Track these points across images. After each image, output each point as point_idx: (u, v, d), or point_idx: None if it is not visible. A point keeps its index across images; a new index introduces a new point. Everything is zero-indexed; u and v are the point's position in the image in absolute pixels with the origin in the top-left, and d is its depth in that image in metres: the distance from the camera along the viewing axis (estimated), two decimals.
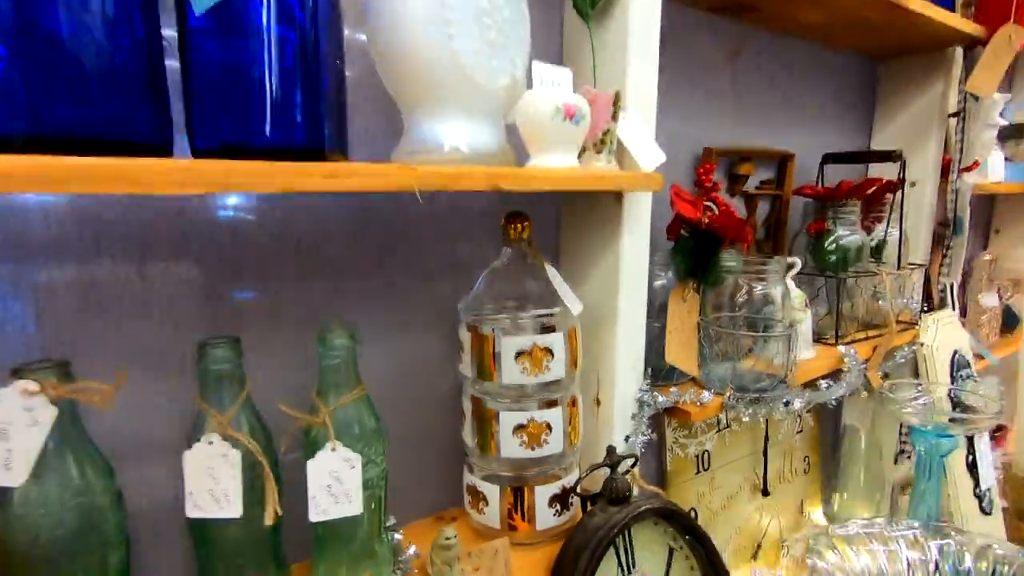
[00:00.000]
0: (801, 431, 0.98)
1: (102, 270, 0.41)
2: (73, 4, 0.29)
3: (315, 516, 0.42)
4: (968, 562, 0.70)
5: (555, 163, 0.44)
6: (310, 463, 0.42)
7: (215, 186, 0.30)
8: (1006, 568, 0.69)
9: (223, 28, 0.32)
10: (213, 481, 0.40)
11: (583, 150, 0.50)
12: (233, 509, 0.40)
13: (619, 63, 0.51)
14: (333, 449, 0.42)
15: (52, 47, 0.28)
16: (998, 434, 1.14)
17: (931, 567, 0.71)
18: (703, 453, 0.83)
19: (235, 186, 0.31)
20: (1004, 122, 1.00)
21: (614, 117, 0.49)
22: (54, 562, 0.35)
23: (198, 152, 0.34)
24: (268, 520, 0.40)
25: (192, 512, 0.40)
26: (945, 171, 0.96)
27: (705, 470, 0.84)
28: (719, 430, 0.85)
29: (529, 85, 0.45)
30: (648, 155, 0.50)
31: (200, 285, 0.45)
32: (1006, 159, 1.21)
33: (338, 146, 0.37)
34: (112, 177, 0.27)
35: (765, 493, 0.91)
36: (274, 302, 0.48)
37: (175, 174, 0.29)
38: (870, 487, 0.96)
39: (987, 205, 1.34)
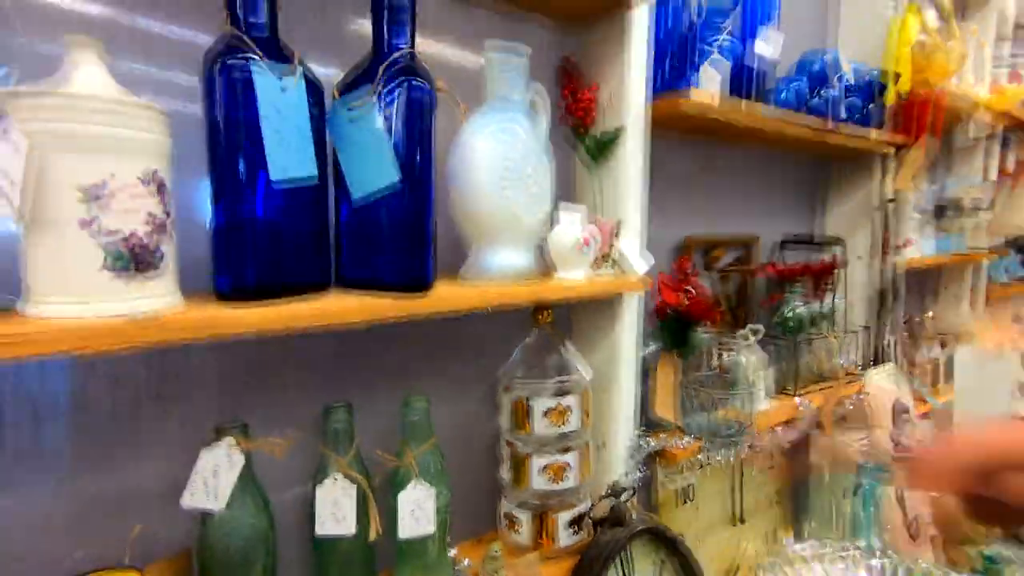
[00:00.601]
0: (772, 467, 1.15)
1: (265, 354, 0.58)
2: (288, 199, 0.46)
3: (403, 534, 0.58)
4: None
5: (575, 276, 0.63)
6: (401, 495, 0.58)
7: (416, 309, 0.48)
8: None
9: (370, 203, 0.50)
10: (336, 507, 0.56)
11: (597, 260, 0.68)
12: (349, 528, 0.56)
13: (617, 197, 0.70)
14: (417, 485, 0.59)
15: (278, 228, 0.46)
16: None
17: None
18: (688, 487, 1.00)
19: (387, 311, 0.48)
20: (928, 207, 1.21)
21: (616, 236, 0.68)
22: (236, 565, 0.51)
23: (344, 283, 0.52)
24: (372, 536, 0.56)
25: (320, 530, 0.55)
26: (885, 248, 1.16)
27: (690, 501, 1.00)
28: (700, 467, 1.01)
29: (554, 218, 0.63)
30: (640, 264, 0.69)
31: (326, 364, 0.61)
32: (942, 231, 1.43)
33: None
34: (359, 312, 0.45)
35: (741, 521, 1.07)
36: (374, 377, 0.65)
37: (401, 308, 0.46)
38: (832, 516, 1.12)
39: (927, 271, 1.54)
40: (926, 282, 1.57)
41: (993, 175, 1.68)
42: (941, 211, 1.52)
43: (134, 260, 0.38)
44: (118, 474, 0.52)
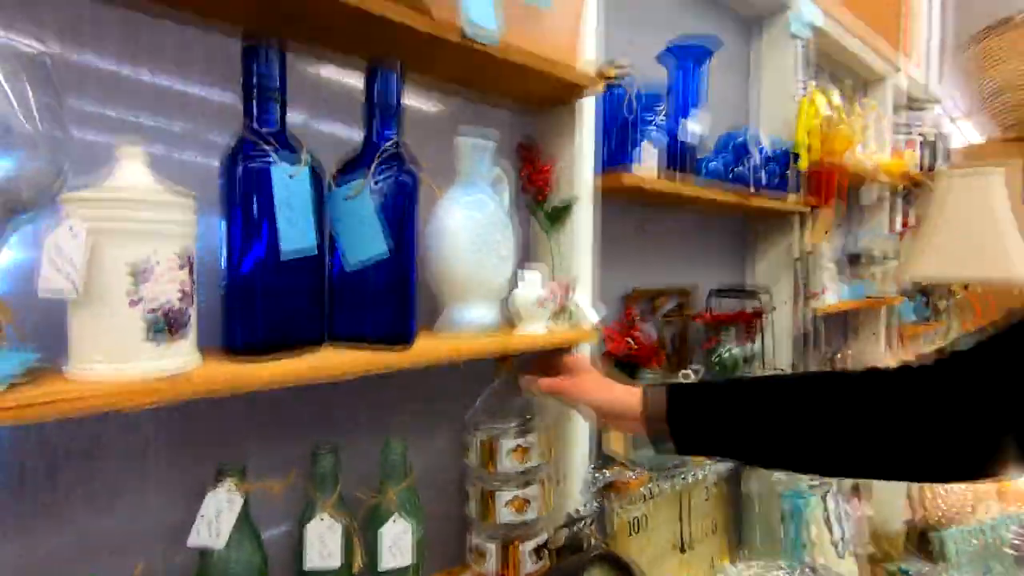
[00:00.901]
0: (708, 499, 1.25)
1: (257, 401, 0.64)
2: (292, 266, 0.54)
3: (384, 566, 0.64)
4: None
5: (536, 329, 0.72)
6: (382, 530, 0.64)
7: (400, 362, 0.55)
8: None
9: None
10: (322, 544, 0.61)
11: (555, 313, 0.78)
12: (335, 563, 0.61)
13: (571, 257, 0.81)
14: (396, 520, 0.65)
15: (279, 290, 0.53)
16: (859, 493, 1.45)
17: None
18: (638, 518, 1.08)
19: (376, 365, 0.56)
20: (843, 257, 1.38)
21: (571, 292, 0.78)
22: None
23: (334, 338, 0.59)
24: (355, 569, 0.62)
25: (308, 565, 0.61)
26: (804, 295, 1.32)
27: (641, 531, 1.09)
28: (649, 499, 1.10)
29: (518, 278, 0.73)
30: (592, 316, 0.79)
31: (313, 410, 0.68)
32: (856, 278, 1.62)
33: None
34: (367, 365, 0.52)
35: (688, 549, 1.16)
36: (357, 421, 0.71)
37: (388, 361, 0.54)
38: (766, 541, 1.23)
39: (845, 313, 1.73)
40: (847, 322, 1.76)
41: (898, 227, 1.91)
42: (856, 259, 1.71)
43: (168, 325, 0.45)
44: (124, 514, 0.57)
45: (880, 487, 1.40)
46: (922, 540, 1.37)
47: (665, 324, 1.14)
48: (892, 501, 1.41)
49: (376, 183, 0.58)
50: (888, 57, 1.72)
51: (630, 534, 1.08)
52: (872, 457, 0.50)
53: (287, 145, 0.54)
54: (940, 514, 1.37)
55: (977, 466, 0.47)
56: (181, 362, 0.46)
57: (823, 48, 1.53)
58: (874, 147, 1.51)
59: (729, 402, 0.56)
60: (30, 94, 0.41)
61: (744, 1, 1.26)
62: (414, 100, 0.76)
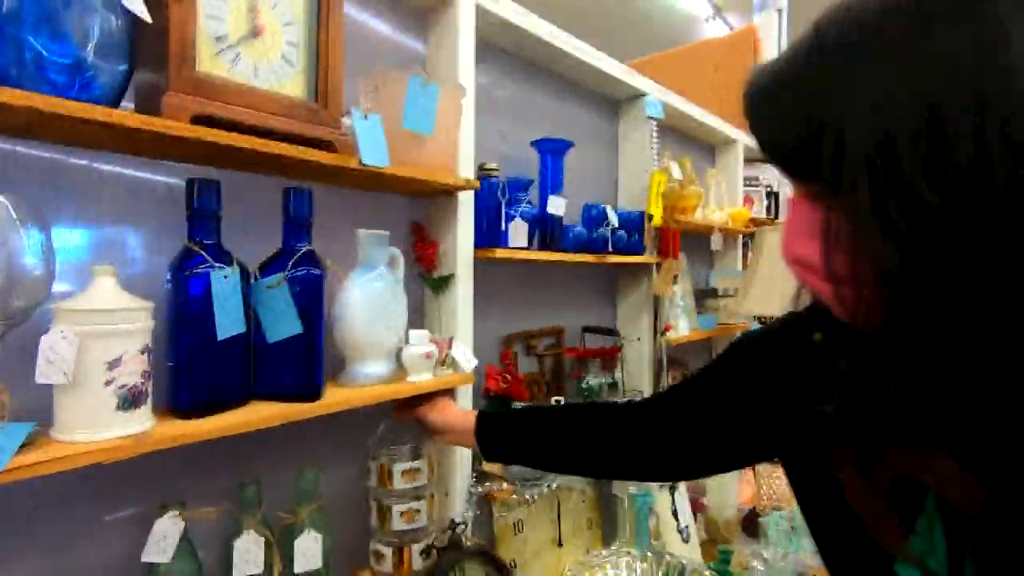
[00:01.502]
0: (584, 501, 1.50)
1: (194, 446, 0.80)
2: (226, 342, 0.71)
3: (299, 570, 0.82)
4: (674, 570, 1.24)
5: (422, 379, 0.93)
6: (296, 542, 0.82)
7: (310, 412, 0.73)
8: (695, 573, 1.23)
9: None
10: (248, 555, 0.79)
11: (437, 364, 0.99)
12: (259, 569, 0.79)
13: (453, 317, 1.02)
14: (308, 533, 0.83)
15: (214, 357, 0.71)
16: (700, 488, 1.77)
17: (654, 574, 1.23)
18: (518, 521, 1.31)
19: (292, 416, 0.74)
20: (699, 290, 1.69)
21: (450, 347, 0.99)
22: None
23: (259, 395, 0.77)
24: (275, 573, 0.80)
25: (237, 573, 0.78)
26: (658, 331, 1.61)
27: (520, 532, 1.32)
28: (529, 504, 1.33)
29: (408, 338, 0.93)
30: (469, 364, 1.01)
31: (240, 449, 0.84)
32: (706, 311, 1.95)
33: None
34: (277, 417, 0.70)
35: (560, 545, 1.40)
36: (279, 458, 0.88)
37: (284, 414, 0.72)
38: (628, 533, 1.49)
39: (702, 342, 2.06)
40: (711, 348, 2.09)
41: (740, 268, 2.28)
42: (710, 294, 2.05)
43: (133, 400, 0.62)
44: (88, 541, 0.72)
45: (714, 482, 1.72)
46: (752, 524, 1.70)
47: (543, 359, 1.39)
48: (726, 493, 1.73)
49: (292, 277, 0.77)
50: (736, 125, 2.09)
51: (514, 534, 1.30)
52: (608, 466, 0.78)
53: (221, 253, 0.72)
54: (766, 502, 1.71)
55: (676, 474, 0.74)
56: (141, 425, 0.63)
57: (678, 122, 1.86)
58: (714, 207, 1.84)
59: (514, 424, 0.85)
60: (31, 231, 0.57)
61: (608, 88, 1.54)
62: (327, 192, 0.94)
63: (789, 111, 0.43)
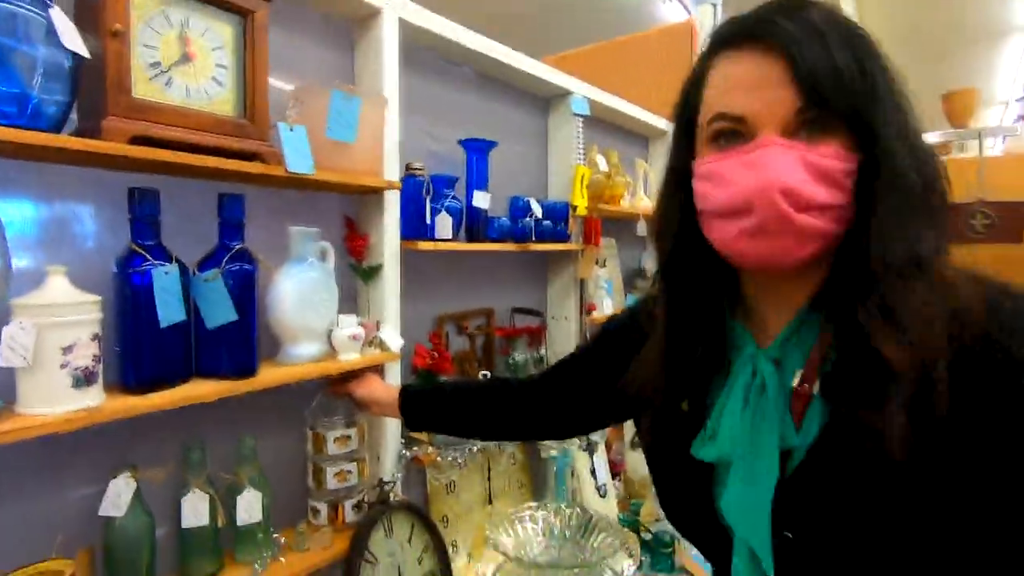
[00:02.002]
0: (515, 463, 1.67)
1: (145, 417, 0.92)
2: (169, 329, 0.83)
3: (240, 522, 0.95)
4: (584, 521, 1.42)
5: (350, 358, 1.06)
6: (239, 498, 0.95)
7: (246, 388, 0.86)
8: (603, 523, 1.41)
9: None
10: (195, 510, 0.91)
11: (366, 344, 1.12)
12: (205, 521, 0.92)
13: (382, 302, 1.15)
14: (249, 491, 0.97)
15: (154, 342, 0.83)
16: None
17: (566, 526, 1.40)
18: (451, 482, 1.47)
19: (228, 391, 0.87)
20: (632, 271, 1.85)
21: (378, 329, 1.12)
22: (131, 550, 0.84)
23: (200, 374, 0.89)
24: (220, 524, 0.93)
25: (186, 524, 0.91)
26: (586, 311, 1.76)
27: (452, 492, 1.47)
28: (463, 467, 1.49)
29: (338, 322, 1.06)
30: (396, 344, 1.14)
31: (186, 420, 0.96)
32: (634, 291, 2.11)
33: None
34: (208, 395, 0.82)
35: (490, 503, 1.57)
36: (223, 428, 1.01)
37: (220, 391, 0.84)
38: (552, 493, 1.67)
39: None
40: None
41: None
42: (641, 274, 2.22)
43: (86, 379, 0.73)
44: (49, 502, 0.83)
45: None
46: None
47: (474, 337, 1.53)
48: (640, 453, 1.92)
49: (227, 272, 0.88)
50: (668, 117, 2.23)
51: (447, 494, 1.46)
52: (506, 429, 0.97)
53: (162, 252, 0.83)
54: None
55: (558, 433, 0.91)
56: (94, 401, 0.74)
57: (610, 116, 1.99)
58: (642, 195, 1.99)
59: (432, 399, 0.99)
60: None
61: (536, 87, 1.66)
62: (264, 193, 1.05)
63: (846, 65, 0.48)
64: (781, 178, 0.48)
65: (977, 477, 0.47)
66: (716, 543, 0.61)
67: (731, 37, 0.53)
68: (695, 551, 1.57)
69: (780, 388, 0.55)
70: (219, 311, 0.88)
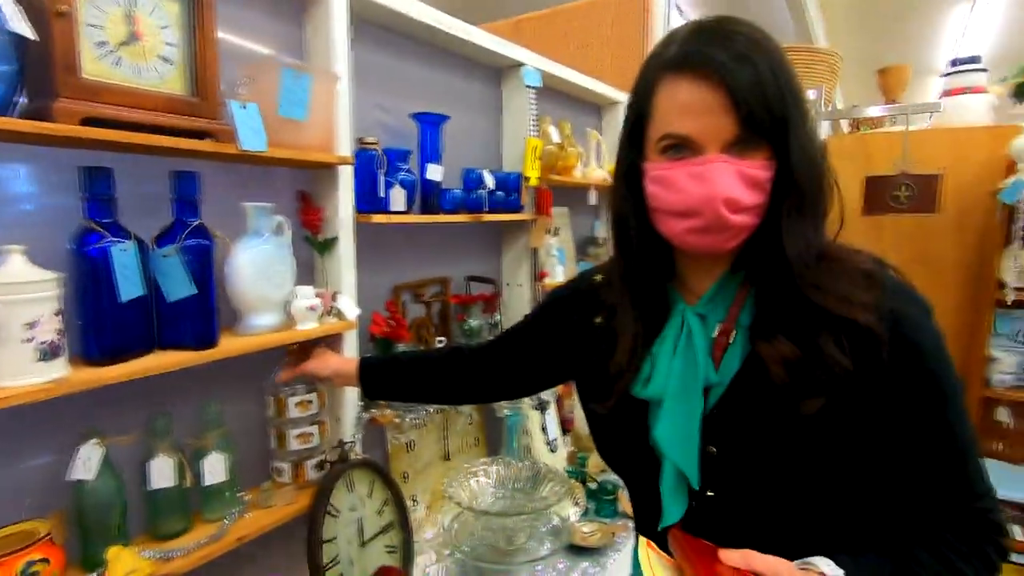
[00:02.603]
0: (472, 423, 1.77)
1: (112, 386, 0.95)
2: (130, 302, 0.87)
3: (206, 483, 1.02)
4: (533, 473, 1.53)
5: (309, 326, 1.11)
6: (205, 460, 1.01)
7: (207, 358, 0.90)
8: (551, 475, 1.53)
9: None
10: (161, 472, 0.97)
11: (323, 314, 1.17)
12: (171, 483, 0.97)
13: (338, 274, 1.20)
14: (214, 453, 1.02)
15: (112, 313, 0.86)
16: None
17: (517, 477, 1.51)
18: (411, 441, 1.55)
19: (189, 361, 0.91)
20: (569, 245, 1.93)
21: (334, 299, 1.17)
22: (101, 512, 0.90)
23: (162, 346, 0.93)
24: (188, 484, 0.99)
25: (153, 486, 0.96)
26: (539, 277, 1.84)
27: (412, 450, 1.56)
28: (422, 427, 1.58)
29: (295, 293, 1.11)
30: (351, 313, 1.20)
31: (152, 389, 1.01)
32: (587, 258, 2.20)
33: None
34: (170, 365, 0.87)
35: (447, 459, 1.67)
36: (190, 395, 1.05)
37: (181, 361, 0.89)
38: (504, 449, 1.78)
39: None
40: None
41: None
42: (594, 242, 2.31)
43: (52, 353, 0.77)
44: (20, 467, 0.88)
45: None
46: None
47: (431, 305, 1.59)
48: None
49: (184, 247, 0.92)
50: (625, 88, 2.28)
51: (406, 452, 1.55)
52: (460, 394, 1.03)
53: (119, 229, 0.86)
54: None
55: (508, 394, 1.00)
56: (59, 373, 0.78)
57: (563, 86, 2.03)
58: (595, 165, 2.06)
59: (389, 369, 1.06)
60: None
61: (488, 59, 1.69)
62: (219, 169, 1.07)
63: (762, 74, 0.59)
64: (724, 191, 0.60)
65: (864, 406, 0.61)
66: (644, 469, 0.73)
67: (671, 62, 0.62)
68: None
69: (704, 337, 0.69)
70: (178, 285, 0.92)
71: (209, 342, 0.95)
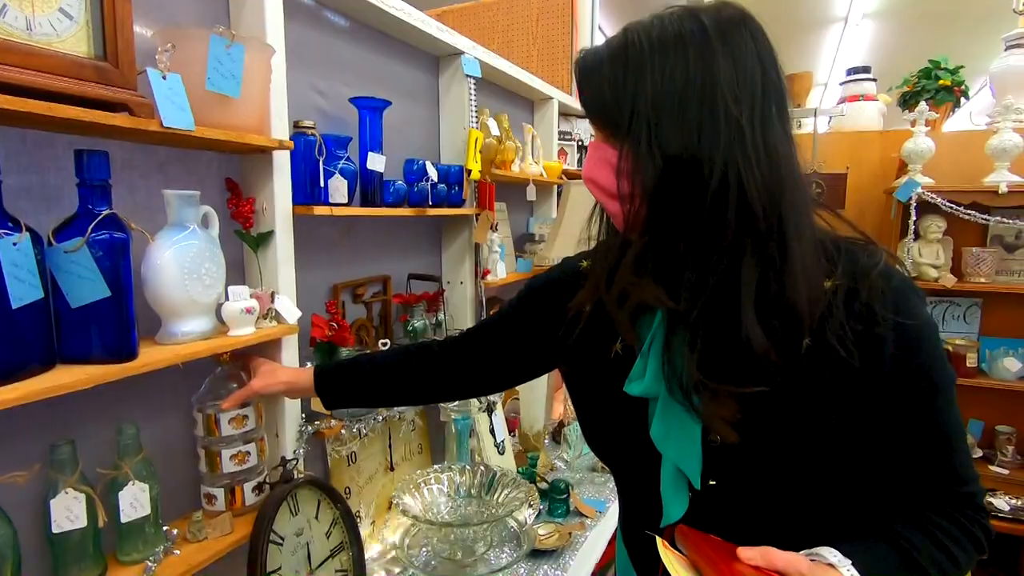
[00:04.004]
0: (414, 429, 1.67)
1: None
2: (24, 310, 0.71)
3: (125, 519, 0.86)
4: (488, 478, 1.47)
5: (244, 332, 0.98)
6: (120, 493, 0.86)
7: (123, 372, 0.75)
8: (506, 479, 1.47)
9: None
10: (68, 511, 0.81)
11: (260, 317, 1.04)
12: (82, 524, 0.82)
13: (275, 273, 1.07)
14: (133, 484, 0.87)
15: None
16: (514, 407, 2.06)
17: (472, 483, 1.44)
18: (351, 453, 1.44)
19: (102, 378, 0.76)
20: (509, 241, 1.88)
21: (272, 301, 1.05)
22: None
23: (66, 360, 0.77)
24: (100, 524, 0.83)
25: (56, 529, 0.80)
26: (480, 276, 1.78)
27: (354, 463, 1.45)
28: (361, 438, 1.46)
29: (227, 294, 0.97)
30: (292, 316, 1.07)
31: (46, 413, 0.84)
32: (524, 255, 2.17)
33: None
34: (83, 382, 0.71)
35: (392, 470, 1.56)
36: (98, 418, 0.88)
37: (92, 377, 0.74)
38: (454, 454, 1.70)
39: (516, 284, 2.30)
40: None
41: (555, 215, 2.54)
42: (529, 238, 2.28)
43: None
44: None
45: (525, 403, 2.01)
46: (558, 434, 2.03)
47: (371, 305, 1.48)
48: (536, 411, 2.03)
49: (94, 241, 0.77)
50: (552, 84, 2.27)
51: (348, 465, 1.43)
52: (433, 393, 0.97)
53: (6, 219, 0.70)
54: (570, 415, 2.04)
55: (484, 390, 0.94)
56: None
57: (498, 78, 1.98)
58: (531, 160, 2.03)
59: (349, 374, 0.97)
60: None
61: (427, 46, 1.60)
62: (132, 149, 0.91)
63: (605, 82, 0.61)
64: (586, 171, 0.67)
65: (863, 396, 0.62)
66: (642, 466, 0.70)
67: None
68: (586, 495, 1.71)
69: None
70: (87, 287, 0.77)
71: (127, 354, 0.81)
